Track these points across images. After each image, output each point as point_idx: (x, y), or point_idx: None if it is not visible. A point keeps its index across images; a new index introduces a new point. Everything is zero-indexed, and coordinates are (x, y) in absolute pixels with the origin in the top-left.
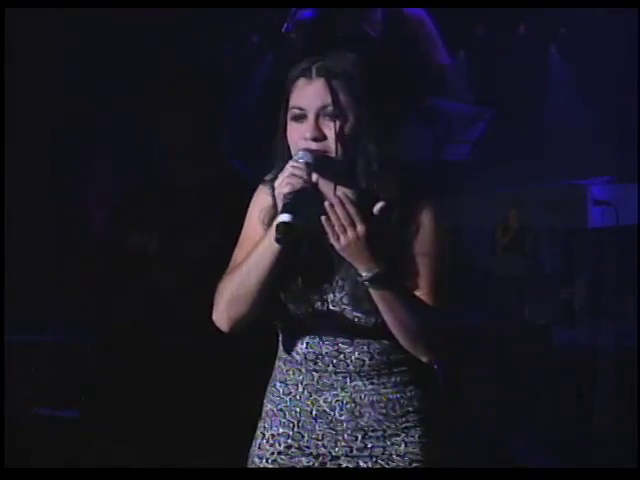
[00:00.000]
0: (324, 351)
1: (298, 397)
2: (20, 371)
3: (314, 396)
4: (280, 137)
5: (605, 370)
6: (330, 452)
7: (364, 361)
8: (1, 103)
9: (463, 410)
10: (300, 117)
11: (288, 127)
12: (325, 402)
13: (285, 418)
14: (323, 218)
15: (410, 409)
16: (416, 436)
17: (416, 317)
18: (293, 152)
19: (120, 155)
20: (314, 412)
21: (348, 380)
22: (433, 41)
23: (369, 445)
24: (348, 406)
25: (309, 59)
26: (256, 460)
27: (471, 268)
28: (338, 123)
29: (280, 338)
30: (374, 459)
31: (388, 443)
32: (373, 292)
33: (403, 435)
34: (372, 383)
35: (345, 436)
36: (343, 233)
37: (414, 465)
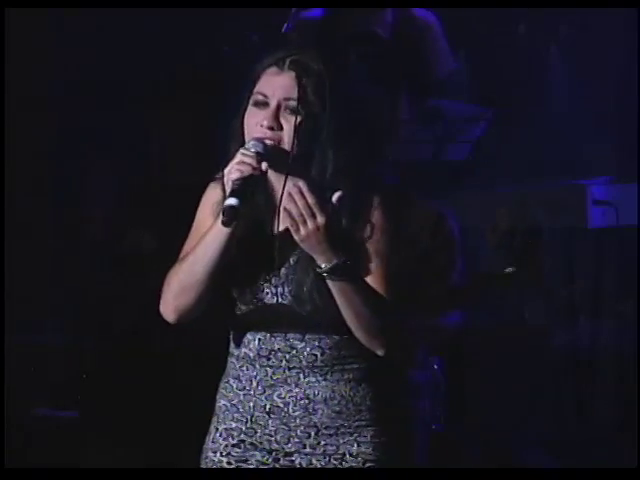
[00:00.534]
0: (276, 347)
1: (252, 392)
2: (20, 371)
3: (268, 391)
4: (238, 120)
5: (605, 370)
6: (283, 448)
7: (316, 356)
8: (1, 103)
9: (464, 410)
10: (261, 104)
11: (247, 111)
12: (279, 397)
13: (238, 412)
14: (282, 208)
15: (363, 407)
16: (368, 436)
17: (373, 309)
18: (247, 137)
19: (119, 155)
20: (268, 407)
21: (302, 376)
22: (440, 44)
23: (322, 442)
24: (302, 402)
25: (285, 51)
26: (210, 454)
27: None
28: (298, 119)
29: (231, 336)
30: (327, 458)
31: (341, 442)
32: (331, 284)
33: (356, 435)
34: (325, 379)
35: (298, 432)
36: (303, 224)
37: (367, 465)
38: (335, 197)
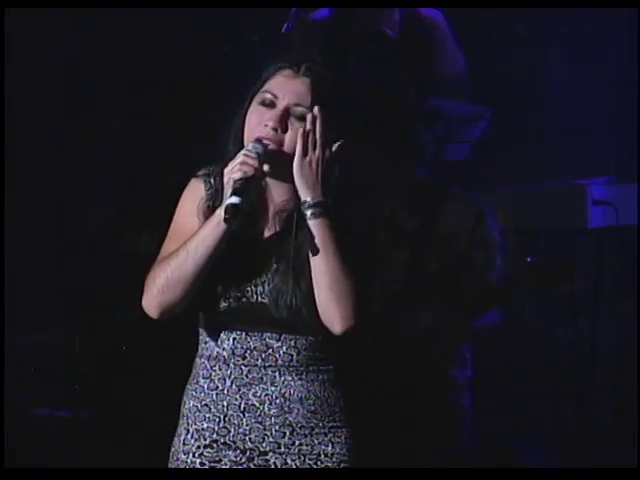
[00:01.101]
0: (252, 345)
1: (225, 391)
2: (20, 371)
3: (243, 390)
4: (239, 118)
5: (605, 370)
6: (257, 447)
7: (292, 356)
8: (1, 103)
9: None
10: (269, 103)
11: (251, 109)
12: (254, 396)
13: (210, 412)
14: (300, 131)
15: (337, 409)
16: (342, 437)
17: (345, 266)
18: (247, 135)
19: (120, 155)
20: (242, 406)
21: (278, 375)
22: (448, 44)
23: (297, 442)
24: (278, 401)
25: (301, 55)
26: (182, 456)
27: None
28: (305, 126)
29: (202, 336)
30: (302, 458)
31: (316, 442)
32: (311, 224)
33: (330, 435)
34: (301, 379)
35: (273, 431)
36: (312, 149)
37: (342, 466)
38: (335, 146)
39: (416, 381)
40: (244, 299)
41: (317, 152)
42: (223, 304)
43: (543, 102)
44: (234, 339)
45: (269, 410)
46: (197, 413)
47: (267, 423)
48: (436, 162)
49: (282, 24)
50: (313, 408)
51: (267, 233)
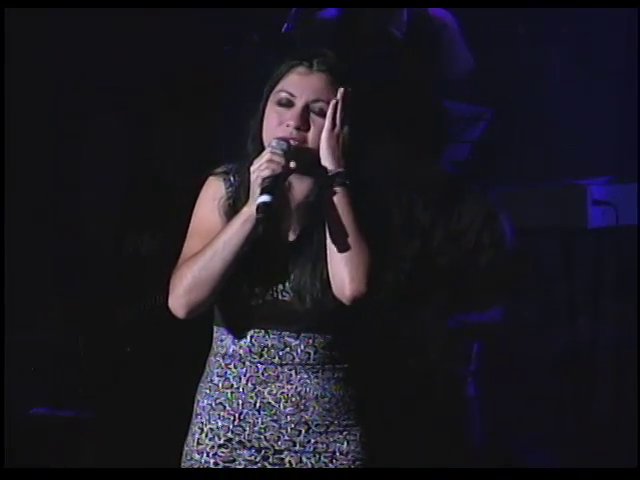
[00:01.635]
0: (270, 343)
1: (241, 389)
2: (19, 371)
3: (258, 388)
4: (257, 119)
5: (605, 370)
6: (273, 446)
7: (309, 354)
8: (1, 103)
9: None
10: (287, 103)
11: (268, 110)
12: (270, 394)
13: (225, 411)
14: (332, 103)
15: (352, 407)
16: (358, 435)
17: (359, 238)
18: (266, 137)
19: (119, 155)
20: (258, 404)
21: (294, 373)
22: (457, 45)
23: (312, 440)
24: (293, 399)
25: (311, 51)
26: (196, 456)
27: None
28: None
29: (218, 333)
30: (317, 456)
31: (331, 439)
32: (332, 191)
33: (346, 433)
34: (317, 377)
35: (288, 429)
36: (341, 125)
37: (357, 464)
38: (355, 128)
39: (417, 378)
40: (266, 296)
41: (344, 128)
42: (244, 302)
43: (543, 102)
44: (252, 337)
45: (285, 408)
46: (211, 412)
47: (283, 421)
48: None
49: (282, 24)
50: (329, 406)
51: (288, 230)
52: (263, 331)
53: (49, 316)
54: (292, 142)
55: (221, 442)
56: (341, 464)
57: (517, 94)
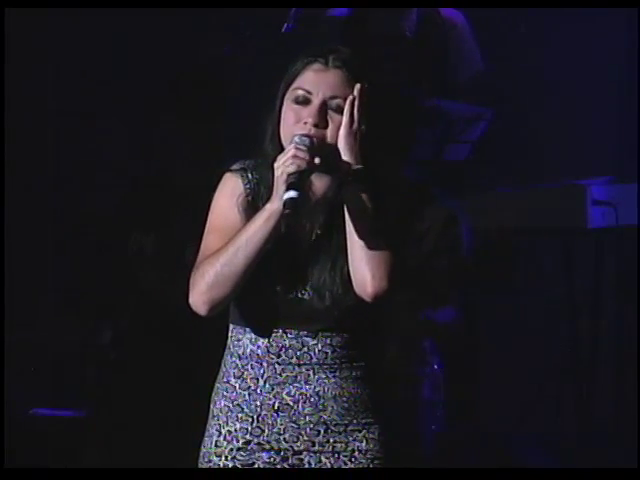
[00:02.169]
0: (288, 344)
1: (259, 391)
2: (20, 371)
3: (277, 389)
4: (272, 120)
5: (605, 370)
6: (292, 447)
7: (327, 354)
8: (1, 103)
9: (464, 410)
10: (304, 101)
11: (285, 108)
12: (288, 395)
13: (243, 413)
14: (349, 99)
15: (370, 405)
16: (376, 433)
17: (379, 234)
18: (284, 135)
19: (120, 155)
20: (276, 405)
21: (312, 373)
22: (467, 45)
23: (331, 440)
24: (312, 399)
25: (326, 47)
26: (214, 458)
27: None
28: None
29: (234, 333)
30: (336, 455)
31: (350, 439)
32: (351, 188)
33: (364, 431)
34: (335, 376)
35: (307, 430)
36: (359, 121)
37: (376, 462)
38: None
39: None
40: (285, 295)
41: (362, 125)
42: (263, 301)
43: (543, 102)
44: (270, 337)
45: (303, 409)
46: (229, 413)
47: (301, 422)
48: (436, 162)
49: (282, 24)
50: (347, 405)
51: (308, 228)
52: (281, 331)
53: (49, 316)
54: (314, 139)
55: (240, 445)
56: (360, 463)
57: (517, 94)
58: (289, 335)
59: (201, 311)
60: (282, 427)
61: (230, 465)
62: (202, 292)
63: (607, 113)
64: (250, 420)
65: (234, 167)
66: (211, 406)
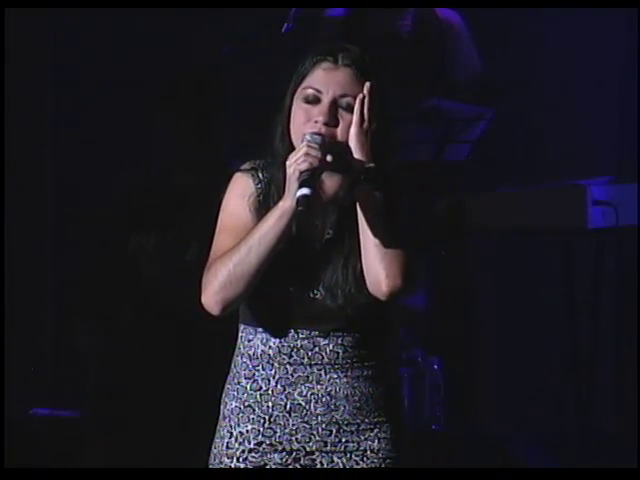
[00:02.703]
0: (299, 344)
1: (270, 392)
2: (20, 371)
3: (288, 390)
4: (282, 120)
5: (605, 370)
6: (304, 447)
7: (338, 353)
8: (1, 103)
9: (464, 410)
10: (314, 99)
11: (295, 108)
12: (300, 395)
13: (254, 414)
14: (359, 98)
15: (382, 404)
16: (388, 432)
17: (393, 232)
18: (294, 135)
19: (120, 155)
20: (288, 406)
21: (323, 373)
22: (463, 45)
23: (343, 440)
24: (324, 399)
25: (334, 46)
26: (226, 460)
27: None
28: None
29: (244, 333)
30: (348, 455)
31: (362, 438)
32: (363, 187)
33: (376, 430)
34: (346, 376)
35: (319, 430)
36: (369, 120)
37: (387, 462)
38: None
39: None
40: (298, 295)
41: (372, 123)
42: (275, 301)
43: (543, 102)
44: (282, 338)
45: (315, 409)
46: (240, 414)
47: (313, 422)
48: (436, 162)
49: (282, 24)
50: (359, 405)
51: (319, 227)
52: (293, 331)
53: (49, 316)
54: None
55: (251, 446)
56: (372, 462)
57: (517, 94)
58: (301, 335)
59: (214, 311)
60: (294, 427)
61: (242, 467)
62: (215, 292)
63: (607, 113)
64: (262, 421)
65: (244, 167)
66: (221, 407)
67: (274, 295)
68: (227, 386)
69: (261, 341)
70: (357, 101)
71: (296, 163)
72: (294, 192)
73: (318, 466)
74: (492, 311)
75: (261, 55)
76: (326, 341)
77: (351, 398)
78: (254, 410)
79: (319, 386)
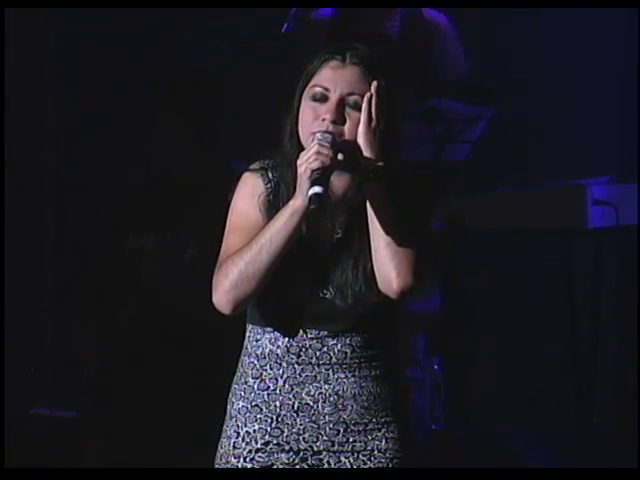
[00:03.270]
0: (308, 344)
1: (278, 391)
2: (20, 371)
3: (296, 389)
4: (291, 119)
5: (605, 370)
6: (312, 447)
7: (346, 353)
8: (1, 103)
9: (464, 410)
10: (321, 98)
11: (303, 106)
12: (308, 395)
13: (262, 414)
14: (367, 96)
15: (389, 403)
16: (396, 432)
17: (402, 231)
18: (302, 133)
19: (120, 155)
20: (296, 405)
21: (331, 372)
22: (450, 45)
23: (351, 439)
24: (331, 399)
25: (341, 44)
26: (233, 460)
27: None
28: (362, 116)
29: (252, 333)
30: (356, 455)
31: (369, 438)
32: (373, 185)
33: (384, 430)
34: (354, 375)
35: (327, 430)
36: (377, 119)
37: (395, 461)
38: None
39: None
40: (307, 295)
41: (380, 122)
42: (285, 300)
43: (543, 102)
44: (290, 337)
45: (323, 409)
46: (247, 414)
47: (321, 422)
48: (436, 162)
49: (282, 24)
50: (366, 404)
51: (328, 226)
52: (301, 331)
53: (49, 316)
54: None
55: (258, 446)
56: (379, 462)
57: (517, 94)
58: (309, 335)
59: (225, 310)
60: (302, 427)
61: (249, 466)
62: (226, 291)
63: (607, 113)
64: (269, 421)
65: (253, 166)
66: (228, 407)
67: (283, 295)
68: (234, 386)
69: (269, 341)
70: (365, 100)
71: (307, 162)
72: (305, 191)
73: (325, 466)
74: (492, 311)
75: (261, 55)
76: (334, 341)
77: (359, 398)
78: (261, 410)
79: (327, 386)
